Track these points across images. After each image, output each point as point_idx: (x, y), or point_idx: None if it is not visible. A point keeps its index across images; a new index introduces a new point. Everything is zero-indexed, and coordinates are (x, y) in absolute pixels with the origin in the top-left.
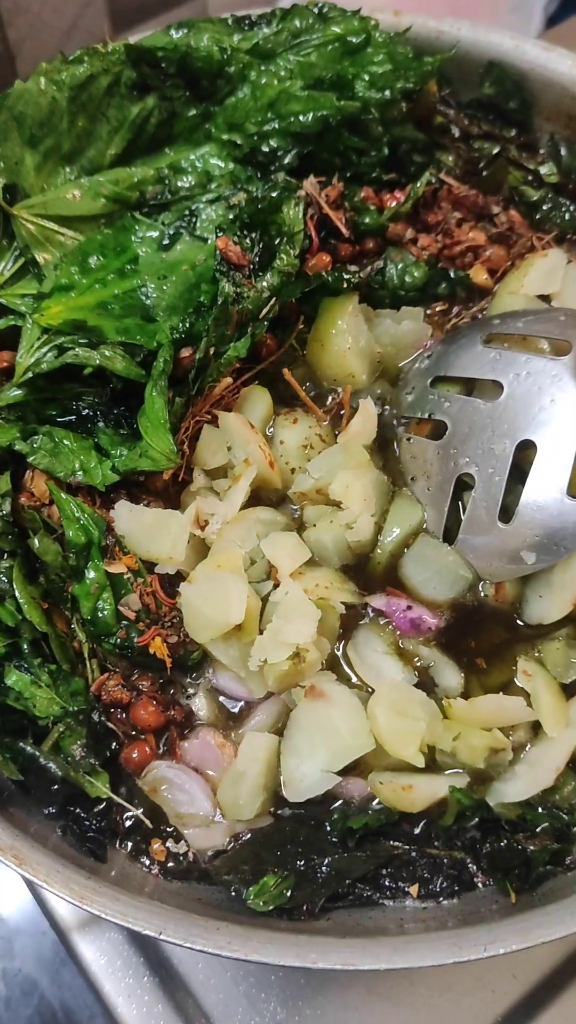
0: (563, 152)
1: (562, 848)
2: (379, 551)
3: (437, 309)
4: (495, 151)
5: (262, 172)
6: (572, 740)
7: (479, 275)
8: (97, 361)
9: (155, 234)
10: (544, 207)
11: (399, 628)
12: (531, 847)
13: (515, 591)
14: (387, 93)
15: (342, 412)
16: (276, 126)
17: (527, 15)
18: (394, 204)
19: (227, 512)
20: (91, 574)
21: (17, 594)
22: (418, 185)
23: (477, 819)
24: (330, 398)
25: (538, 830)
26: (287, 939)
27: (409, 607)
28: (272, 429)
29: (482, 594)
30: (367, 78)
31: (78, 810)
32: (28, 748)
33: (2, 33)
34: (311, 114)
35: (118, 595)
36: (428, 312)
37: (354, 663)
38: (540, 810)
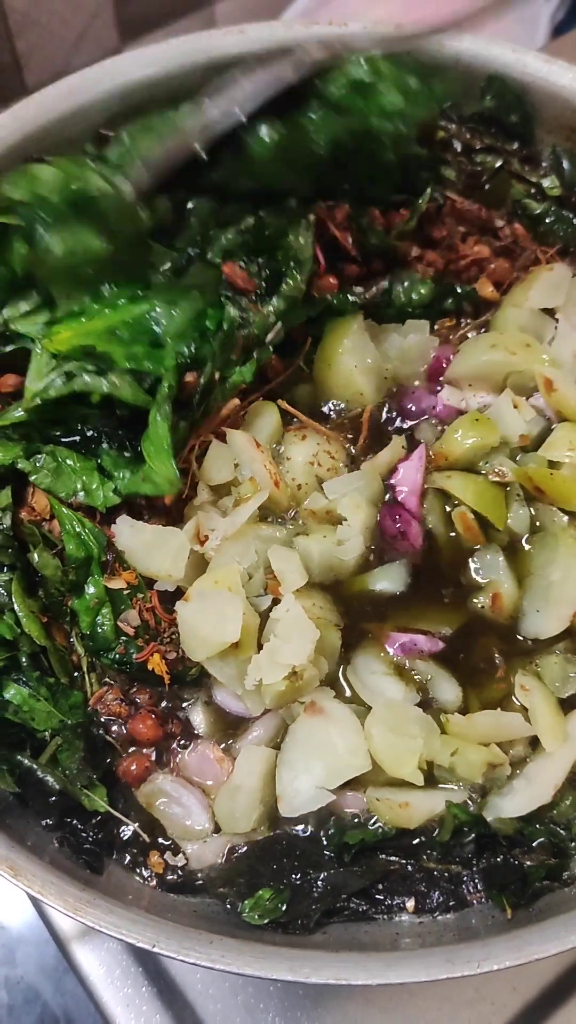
0: (565, 165)
1: (559, 863)
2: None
3: (446, 325)
4: (497, 164)
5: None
6: (570, 755)
7: (485, 288)
8: (105, 388)
9: (168, 260)
10: (547, 220)
11: (393, 653)
12: (528, 862)
13: (512, 604)
14: (401, 126)
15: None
16: None
17: (533, 25)
18: (399, 222)
19: (227, 528)
20: (90, 589)
21: (16, 607)
22: (420, 201)
23: (474, 834)
24: (333, 410)
25: (535, 845)
26: (281, 953)
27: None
28: (281, 445)
29: (479, 606)
30: (378, 112)
31: (75, 822)
32: (26, 761)
33: (10, 45)
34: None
35: (117, 610)
36: (436, 327)
37: (353, 685)
38: (537, 825)
